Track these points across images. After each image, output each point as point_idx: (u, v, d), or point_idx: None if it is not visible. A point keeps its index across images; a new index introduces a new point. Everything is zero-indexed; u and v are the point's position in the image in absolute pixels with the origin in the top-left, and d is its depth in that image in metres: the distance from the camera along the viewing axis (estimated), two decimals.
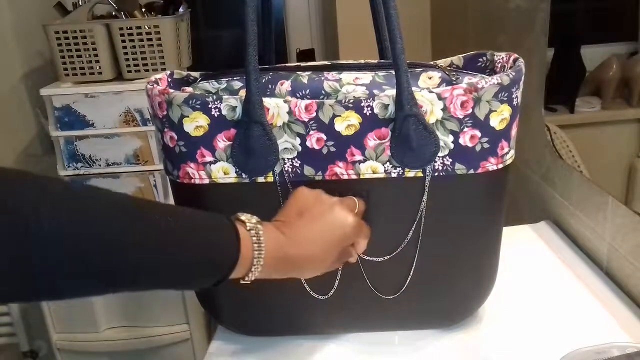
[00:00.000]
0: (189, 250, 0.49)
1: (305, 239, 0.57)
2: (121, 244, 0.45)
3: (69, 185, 0.45)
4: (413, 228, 0.65)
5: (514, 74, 0.61)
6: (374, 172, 0.62)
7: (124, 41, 1.46)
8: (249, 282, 0.54)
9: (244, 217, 0.54)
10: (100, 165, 1.51)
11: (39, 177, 0.44)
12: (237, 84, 0.66)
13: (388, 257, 0.66)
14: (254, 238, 0.53)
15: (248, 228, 0.53)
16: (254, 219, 0.55)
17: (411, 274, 0.67)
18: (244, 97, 0.61)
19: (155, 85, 0.64)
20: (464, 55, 0.72)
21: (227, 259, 0.52)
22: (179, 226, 0.50)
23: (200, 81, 0.68)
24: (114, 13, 1.53)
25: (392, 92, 0.60)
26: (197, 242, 0.50)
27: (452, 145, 0.61)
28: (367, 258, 0.67)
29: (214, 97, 0.61)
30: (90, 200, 0.45)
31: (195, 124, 0.62)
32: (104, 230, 0.44)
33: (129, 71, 1.49)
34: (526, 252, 0.91)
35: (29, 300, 0.43)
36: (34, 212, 0.40)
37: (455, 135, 0.61)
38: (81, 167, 1.51)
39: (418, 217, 0.64)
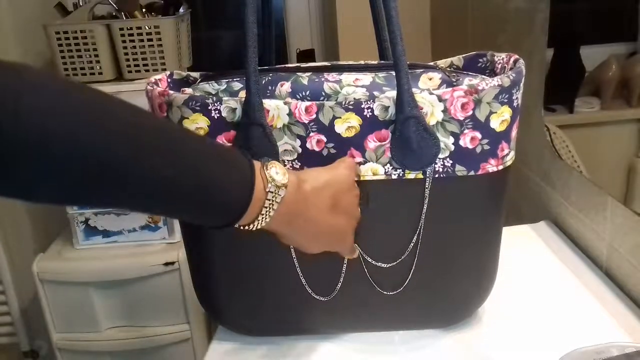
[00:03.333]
0: (200, 186, 0.47)
1: (312, 222, 0.57)
2: (125, 160, 0.41)
3: (64, 81, 0.40)
4: (413, 229, 0.65)
5: (514, 75, 0.61)
6: (374, 174, 0.63)
7: (124, 41, 1.46)
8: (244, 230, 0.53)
9: (273, 169, 0.52)
10: None
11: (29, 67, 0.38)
12: (237, 85, 0.66)
13: (391, 262, 0.66)
14: (267, 201, 0.51)
15: (267, 189, 0.51)
16: (280, 177, 0.52)
17: (411, 274, 0.67)
18: (244, 99, 0.61)
19: (155, 87, 0.64)
20: (464, 55, 0.72)
21: (232, 212, 0.50)
22: (201, 161, 0.47)
23: (200, 82, 0.69)
24: (114, 13, 1.53)
25: (393, 93, 0.61)
26: (211, 181, 0.48)
27: (452, 147, 0.62)
28: (370, 261, 0.67)
29: (214, 98, 0.62)
30: (87, 100, 0.41)
31: (195, 125, 0.62)
32: (103, 141, 0.40)
33: (130, 71, 1.49)
34: (526, 252, 0.91)
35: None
36: (13, 105, 0.36)
37: (456, 136, 0.61)
38: None
39: (418, 218, 0.64)
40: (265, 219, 0.52)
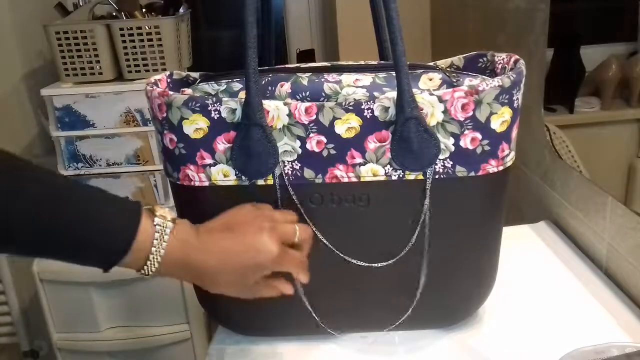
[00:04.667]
0: (80, 223, 0.49)
1: (216, 250, 0.55)
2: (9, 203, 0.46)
3: None
4: (413, 230, 0.65)
5: (514, 76, 0.61)
6: (374, 175, 0.63)
7: (124, 41, 1.46)
8: (147, 276, 0.53)
9: (159, 211, 0.54)
10: (100, 166, 1.51)
11: None
12: (236, 85, 0.66)
13: (389, 262, 0.66)
14: (157, 234, 0.52)
15: (155, 223, 0.53)
16: (170, 215, 0.54)
17: (411, 275, 0.67)
18: (243, 100, 0.61)
19: (154, 87, 0.64)
20: (464, 55, 0.72)
21: (118, 244, 0.51)
22: (76, 197, 0.50)
23: (199, 82, 0.69)
24: (114, 13, 1.53)
25: (393, 94, 0.61)
26: (90, 217, 0.50)
27: (452, 148, 0.62)
28: (370, 262, 0.67)
29: (214, 99, 0.62)
30: None
31: (195, 126, 0.62)
32: None
33: (130, 71, 1.49)
34: (526, 252, 0.92)
35: None
36: None
37: (456, 137, 0.61)
38: (82, 167, 1.52)
39: (419, 219, 0.64)
40: (158, 255, 0.52)
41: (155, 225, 0.53)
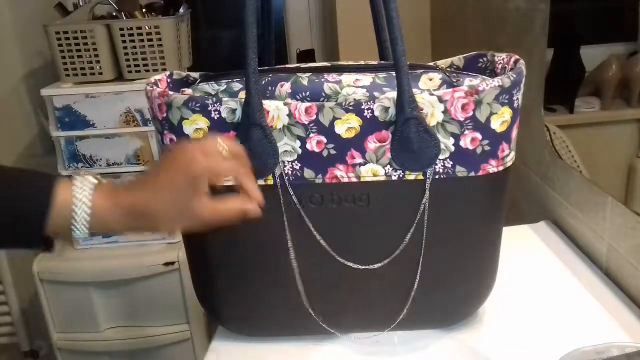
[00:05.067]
0: None
1: (146, 183, 0.55)
2: None
3: None
4: (413, 230, 0.65)
5: (514, 76, 0.61)
6: (374, 175, 0.63)
7: (124, 41, 1.46)
8: (81, 234, 0.53)
9: (82, 174, 0.55)
10: (100, 166, 1.51)
11: None
12: (236, 85, 0.66)
13: (387, 260, 0.66)
14: (76, 189, 0.53)
15: (73, 182, 0.53)
16: (94, 177, 0.55)
17: (411, 275, 0.67)
18: (243, 100, 0.61)
19: (154, 87, 0.64)
20: (464, 55, 0.72)
21: (36, 210, 0.52)
22: None
23: (199, 82, 0.69)
24: (114, 13, 1.53)
25: (393, 94, 0.61)
26: (5, 196, 0.51)
27: (452, 148, 0.62)
28: (370, 262, 0.67)
29: (214, 99, 0.62)
30: None
31: (195, 126, 0.62)
32: None
33: (130, 71, 1.49)
34: (526, 252, 0.92)
35: None
36: None
37: (456, 137, 0.61)
38: (82, 167, 1.51)
39: (418, 219, 0.64)
40: (84, 207, 0.52)
41: (73, 184, 0.53)
